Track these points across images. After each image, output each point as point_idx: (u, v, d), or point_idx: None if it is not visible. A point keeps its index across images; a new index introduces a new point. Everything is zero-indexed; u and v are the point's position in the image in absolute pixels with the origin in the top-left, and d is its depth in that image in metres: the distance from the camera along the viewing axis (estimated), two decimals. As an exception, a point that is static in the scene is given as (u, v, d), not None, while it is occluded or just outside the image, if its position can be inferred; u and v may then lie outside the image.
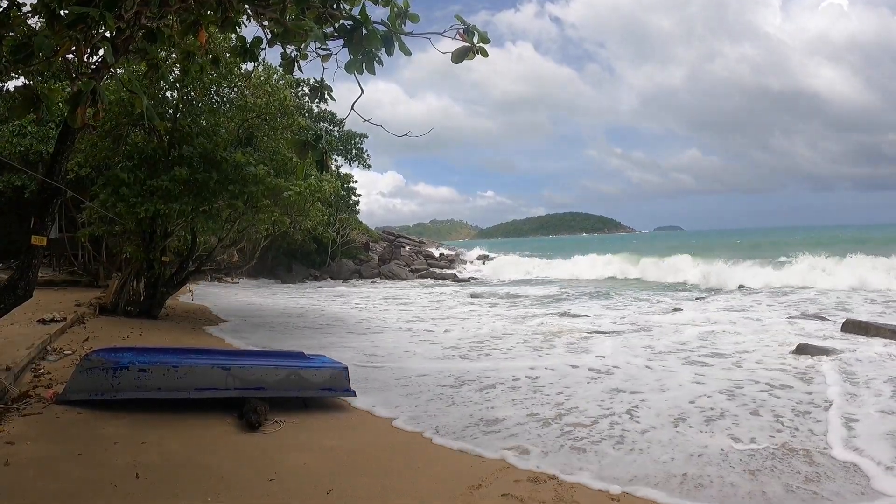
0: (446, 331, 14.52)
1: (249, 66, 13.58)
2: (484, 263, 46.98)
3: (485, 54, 3.88)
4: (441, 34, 3.89)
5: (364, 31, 3.83)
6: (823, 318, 14.78)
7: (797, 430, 6.50)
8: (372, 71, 3.98)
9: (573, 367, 9.82)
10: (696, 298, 20.86)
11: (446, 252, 51.42)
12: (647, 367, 9.88)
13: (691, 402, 7.64)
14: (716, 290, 23.44)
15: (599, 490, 4.92)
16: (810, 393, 8.03)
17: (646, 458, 5.72)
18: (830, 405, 7.38)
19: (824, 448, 5.93)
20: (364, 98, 4.25)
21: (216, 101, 14.37)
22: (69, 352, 8.74)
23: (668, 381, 8.77)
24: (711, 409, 7.35)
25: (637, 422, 6.89)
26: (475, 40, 3.88)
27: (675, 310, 17.86)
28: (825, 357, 10.03)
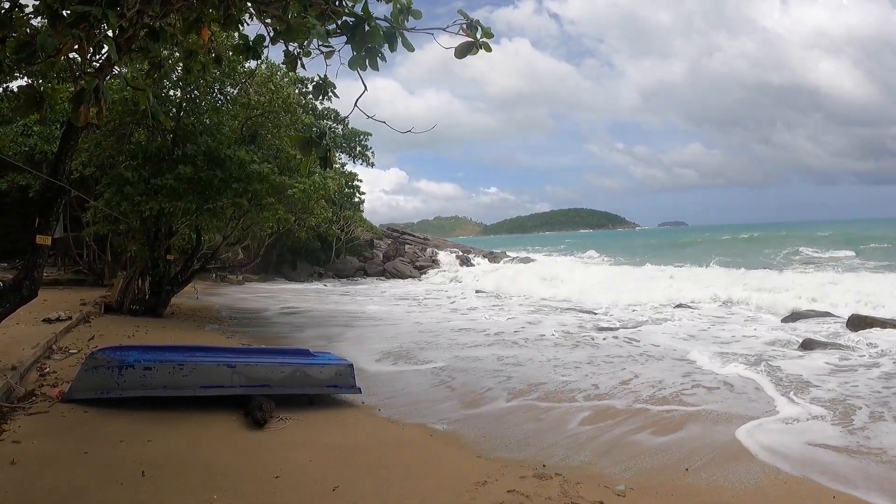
0: (489, 320, 15.24)
1: (252, 63, 13.57)
2: (490, 262, 46.68)
3: (488, 49, 3.86)
4: (444, 30, 3.87)
5: (367, 28, 3.81)
6: (828, 314, 14.75)
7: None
8: (375, 67, 3.97)
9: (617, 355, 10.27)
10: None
11: (452, 252, 50.99)
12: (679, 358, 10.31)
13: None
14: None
15: (605, 487, 4.92)
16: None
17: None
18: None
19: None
20: (364, 95, 4.24)
21: (219, 99, 14.37)
22: (74, 351, 8.76)
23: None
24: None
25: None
26: (478, 35, 3.86)
27: (680, 305, 17.91)
28: (831, 351, 10.09)
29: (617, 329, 13.64)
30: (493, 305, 19.62)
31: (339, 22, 4.00)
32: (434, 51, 3.80)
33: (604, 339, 12.34)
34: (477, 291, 24.98)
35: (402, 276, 36.42)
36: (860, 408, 7.23)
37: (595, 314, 16.47)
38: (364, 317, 16.89)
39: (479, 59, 3.98)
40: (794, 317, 14.63)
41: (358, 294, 25.52)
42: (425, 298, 22.78)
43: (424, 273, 38.02)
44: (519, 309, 18.44)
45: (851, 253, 36.56)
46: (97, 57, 4.63)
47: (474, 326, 14.54)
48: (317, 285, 30.53)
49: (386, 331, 13.81)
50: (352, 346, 11.64)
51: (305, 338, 12.61)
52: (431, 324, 15.19)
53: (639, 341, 12.02)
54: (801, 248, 41.40)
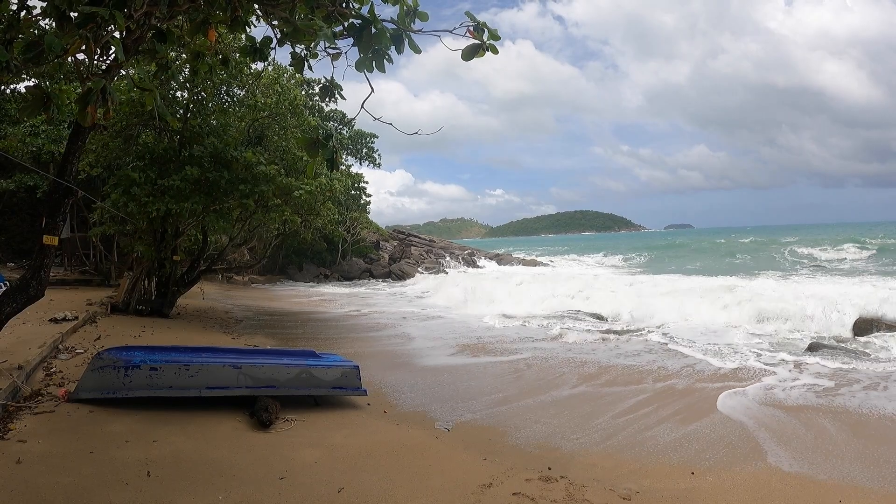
0: (533, 320, 15.45)
1: (259, 65, 13.60)
2: (498, 265, 46.57)
3: (495, 51, 3.85)
4: (451, 32, 3.87)
5: (374, 30, 3.81)
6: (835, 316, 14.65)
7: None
8: (382, 69, 3.96)
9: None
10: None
11: (458, 254, 50.84)
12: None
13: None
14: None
15: (611, 490, 4.91)
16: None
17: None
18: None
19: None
20: (370, 98, 4.23)
21: (226, 100, 14.41)
22: (81, 350, 8.78)
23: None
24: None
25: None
26: (485, 37, 3.85)
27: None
28: (838, 353, 10.06)
29: (648, 331, 13.78)
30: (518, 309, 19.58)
31: (346, 24, 4.00)
32: (438, 53, 3.82)
33: (644, 336, 12.96)
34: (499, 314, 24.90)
35: (408, 278, 36.23)
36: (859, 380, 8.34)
37: (606, 320, 16.43)
38: (429, 316, 17.67)
39: (482, 62, 3.97)
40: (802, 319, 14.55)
41: (406, 296, 25.52)
42: (466, 302, 22.47)
43: (434, 273, 37.85)
44: (547, 311, 18.53)
45: (867, 253, 36.10)
46: (104, 58, 4.65)
47: (526, 324, 15.26)
48: (332, 288, 30.40)
49: (458, 328, 14.70)
50: (430, 341, 12.62)
51: (385, 336, 13.65)
52: (494, 322, 15.75)
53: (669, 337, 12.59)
54: (812, 252, 41.06)
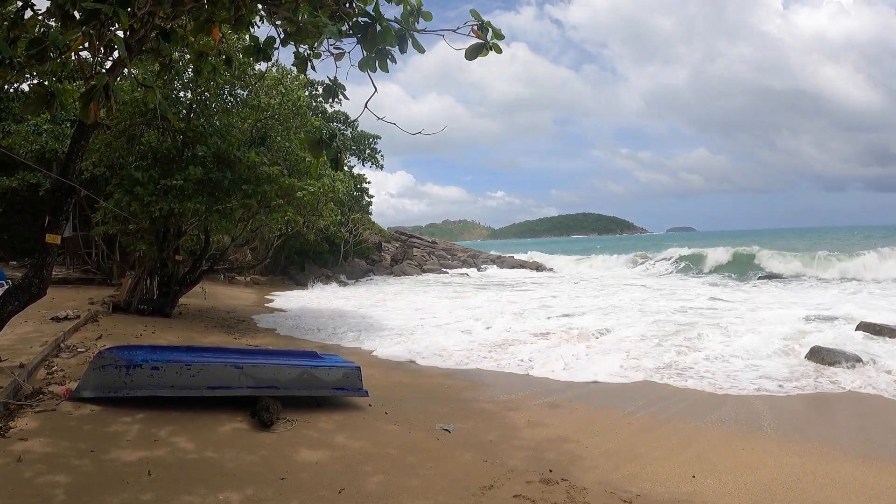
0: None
1: (263, 65, 13.61)
2: (499, 268, 46.42)
3: (498, 51, 3.86)
4: (455, 31, 3.87)
5: (378, 28, 3.82)
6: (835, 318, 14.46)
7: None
8: (385, 68, 3.97)
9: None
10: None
11: (459, 256, 50.68)
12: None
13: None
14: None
15: (611, 492, 4.89)
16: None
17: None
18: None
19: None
20: (372, 97, 4.23)
21: (229, 101, 14.42)
22: (82, 349, 8.78)
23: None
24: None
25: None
26: (489, 37, 3.86)
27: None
28: (838, 356, 9.91)
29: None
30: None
31: (350, 23, 4.01)
32: (435, 56, 3.83)
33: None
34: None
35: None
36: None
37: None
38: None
39: (480, 65, 3.98)
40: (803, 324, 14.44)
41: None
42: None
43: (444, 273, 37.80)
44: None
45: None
46: (108, 56, 4.66)
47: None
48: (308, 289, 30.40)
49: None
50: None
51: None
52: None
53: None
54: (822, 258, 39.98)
